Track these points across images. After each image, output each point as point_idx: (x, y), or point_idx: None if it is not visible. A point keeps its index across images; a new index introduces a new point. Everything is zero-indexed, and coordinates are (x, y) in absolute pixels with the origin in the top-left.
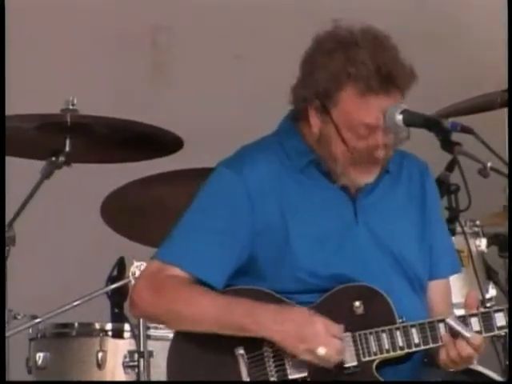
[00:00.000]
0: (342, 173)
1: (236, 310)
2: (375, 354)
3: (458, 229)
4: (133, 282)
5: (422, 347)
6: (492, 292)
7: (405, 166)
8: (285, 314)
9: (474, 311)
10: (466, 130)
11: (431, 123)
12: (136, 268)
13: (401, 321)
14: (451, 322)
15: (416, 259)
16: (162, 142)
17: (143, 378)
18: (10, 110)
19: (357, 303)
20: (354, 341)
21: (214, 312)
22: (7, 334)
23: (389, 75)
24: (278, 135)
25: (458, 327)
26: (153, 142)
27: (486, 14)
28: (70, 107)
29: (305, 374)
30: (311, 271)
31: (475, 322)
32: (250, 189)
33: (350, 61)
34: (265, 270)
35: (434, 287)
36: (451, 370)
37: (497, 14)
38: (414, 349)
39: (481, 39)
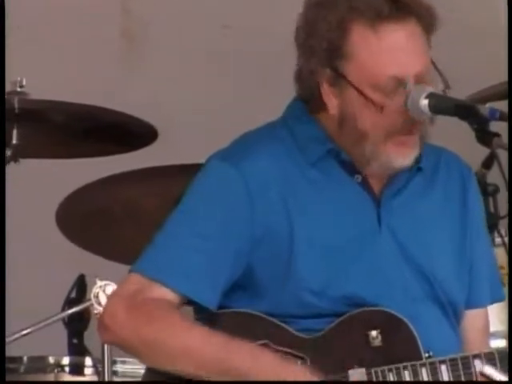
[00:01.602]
0: (373, 153)
1: (237, 354)
2: None
3: (497, 240)
4: (95, 305)
5: None
6: None
7: (442, 164)
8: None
9: None
10: (506, 117)
11: (465, 110)
12: (99, 288)
13: (427, 355)
14: (490, 371)
15: (452, 280)
16: (133, 133)
17: None
18: None
19: (373, 333)
20: (370, 379)
21: (207, 350)
22: None
23: None
24: (286, 120)
25: (498, 377)
26: (121, 132)
27: None
28: (18, 89)
29: None
30: (318, 291)
31: None
32: (250, 186)
33: None
34: (263, 286)
35: (471, 317)
36: None
37: None
38: None
39: None
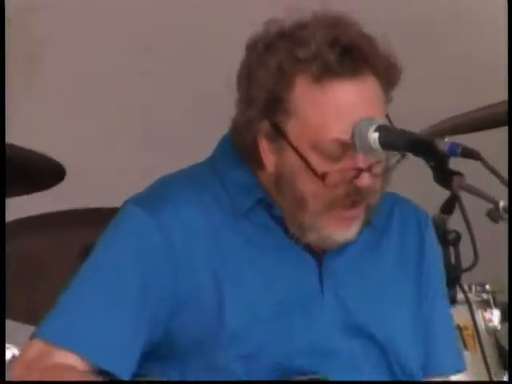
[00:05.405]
0: (311, 225)
1: None
2: None
3: (460, 296)
4: None
5: None
6: None
7: (396, 215)
8: None
9: None
10: (469, 154)
11: (420, 145)
12: None
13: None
14: None
15: (407, 347)
16: (32, 171)
17: None
18: None
19: None
20: None
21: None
22: None
23: (351, 46)
24: (215, 163)
25: None
26: (17, 170)
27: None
28: None
29: None
30: (249, 357)
31: None
32: (172, 239)
33: (296, 44)
34: (183, 354)
35: None
36: None
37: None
38: None
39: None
